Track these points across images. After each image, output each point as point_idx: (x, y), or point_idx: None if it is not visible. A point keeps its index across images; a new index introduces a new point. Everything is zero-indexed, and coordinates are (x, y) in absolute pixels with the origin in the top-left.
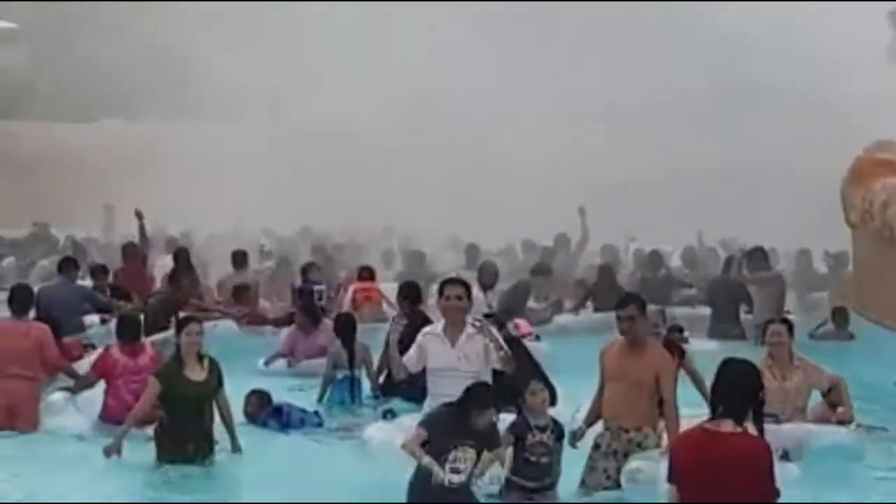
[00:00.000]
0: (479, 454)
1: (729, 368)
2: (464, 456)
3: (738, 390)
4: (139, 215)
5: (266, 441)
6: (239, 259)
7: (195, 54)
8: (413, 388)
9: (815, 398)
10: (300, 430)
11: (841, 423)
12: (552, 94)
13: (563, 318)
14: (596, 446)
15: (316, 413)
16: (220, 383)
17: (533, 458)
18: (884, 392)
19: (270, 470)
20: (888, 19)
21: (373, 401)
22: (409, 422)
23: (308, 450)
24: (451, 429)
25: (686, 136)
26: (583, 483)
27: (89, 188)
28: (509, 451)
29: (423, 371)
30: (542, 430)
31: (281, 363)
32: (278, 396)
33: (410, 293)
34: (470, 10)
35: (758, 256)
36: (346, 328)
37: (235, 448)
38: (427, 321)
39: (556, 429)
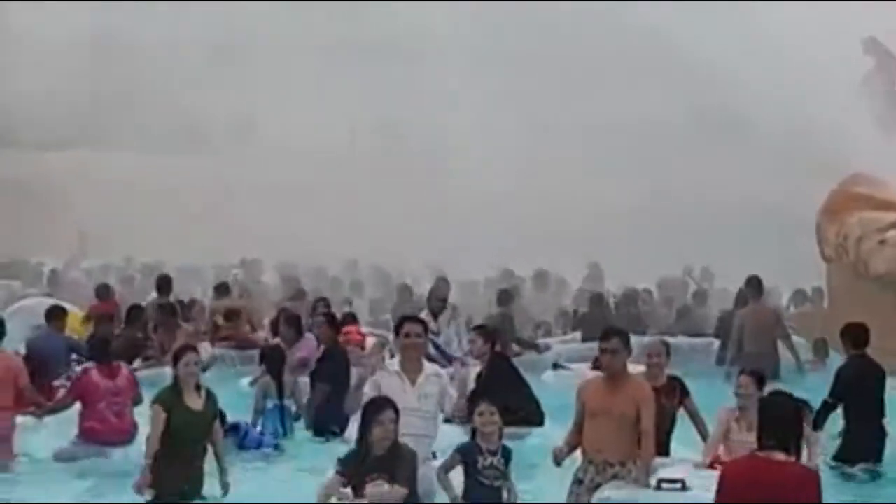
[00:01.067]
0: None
1: (774, 403)
2: (378, 491)
3: (785, 422)
4: None
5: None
6: (222, 291)
7: (163, 87)
8: None
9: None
10: (255, 450)
11: None
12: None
13: (554, 349)
14: (578, 481)
15: (276, 439)
16: (216, 414)
17: (486, 482)
18: None
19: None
20: (864, 47)
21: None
22: None
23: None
24: (359, 464)
25: (661, 166)
26: None
27: (59, 215)
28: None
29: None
30: (493, 453)
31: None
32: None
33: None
34: (444, 38)
35: (754, 285)
36: (273, 359)
37: (224, 485)
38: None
39: (506, 453)
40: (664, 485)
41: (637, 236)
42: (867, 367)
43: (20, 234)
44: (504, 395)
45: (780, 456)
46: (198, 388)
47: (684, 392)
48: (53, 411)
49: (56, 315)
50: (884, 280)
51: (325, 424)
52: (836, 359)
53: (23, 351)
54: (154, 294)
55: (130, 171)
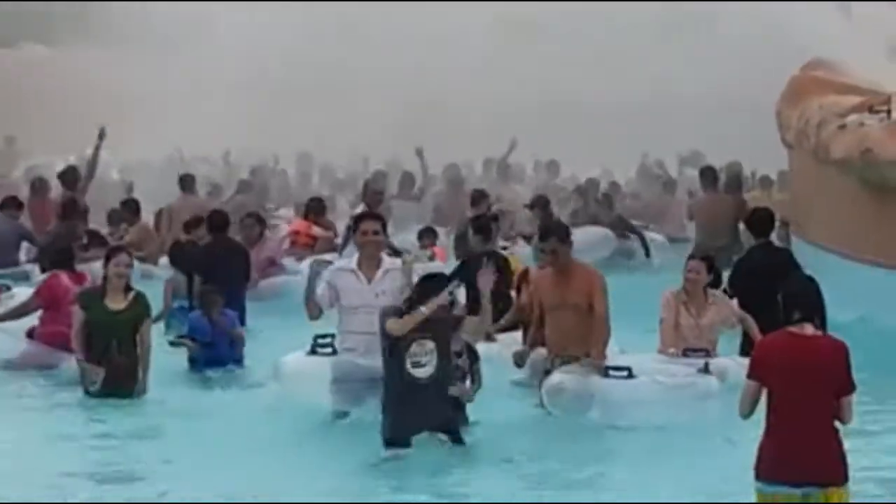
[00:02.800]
0: (438, 343)
1: (800, 282)
2: (422, 349)
3: (809, 297)
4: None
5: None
6: (188, 183)
7: None
8: None
9: None
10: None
11: (746, 354)
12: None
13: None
14: (546, 371)
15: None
16: (142, 316)
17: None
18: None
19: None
20: None
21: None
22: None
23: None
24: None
25: (624, 59)
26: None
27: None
28: None
29: None
30: (458, 354)
31: None
32: None
33: None
34: None
35: (707, 176)
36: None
37: (140, 388)
38: None
39: (472, 353)
40: (612, 372)
41: (600, 129)
42: (770, 255)
43: None
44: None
45: (809, 329)
46: (127, 291)
47: None
48: (15, 316)
49: (8, 203)
50: (844, 165)
51: None
52: (801, 246)
53: None
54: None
55: (83, 68)
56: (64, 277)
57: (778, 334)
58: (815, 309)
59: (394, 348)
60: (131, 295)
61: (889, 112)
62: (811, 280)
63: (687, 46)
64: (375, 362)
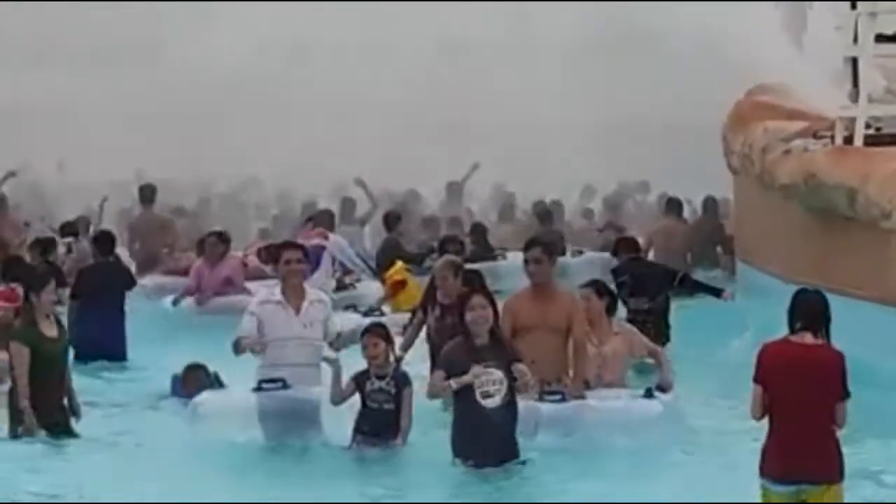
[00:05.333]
0: (507, 372)
1: (805, 295)
2: (489, 378)
3: (811, 308)
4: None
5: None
6: (147, 195)
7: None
8: None
9: None
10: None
11: (661, 389)
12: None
13: None
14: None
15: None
16: (68, 342)
17: (375, 406)
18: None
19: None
20: None
21: None
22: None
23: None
24: (460, 356)
25: (569, 82)
26: None
27: None
28: None
29: None
30: (381, 378)
31: (190, 301)
32: None
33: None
34: None
35: (665, 203)
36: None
37: (76, 408)
38: None
39: (401, 378)
40: (546, 397)
41: (547, 154)
42: (643, 266)
43: None
44: None
45: (809, 338)
46: (47, 316)
47: None
48: None
49: None
50: (788, 190)
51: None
52: (745, 270)
53: None
54: None
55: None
56: None
57: (779, 342)
58: (816, 320)
59: (450, 377)
60: (52, 319)
61: (833, 137)
62: (818, 294)
63: (630, 67)
64: (303, 394)
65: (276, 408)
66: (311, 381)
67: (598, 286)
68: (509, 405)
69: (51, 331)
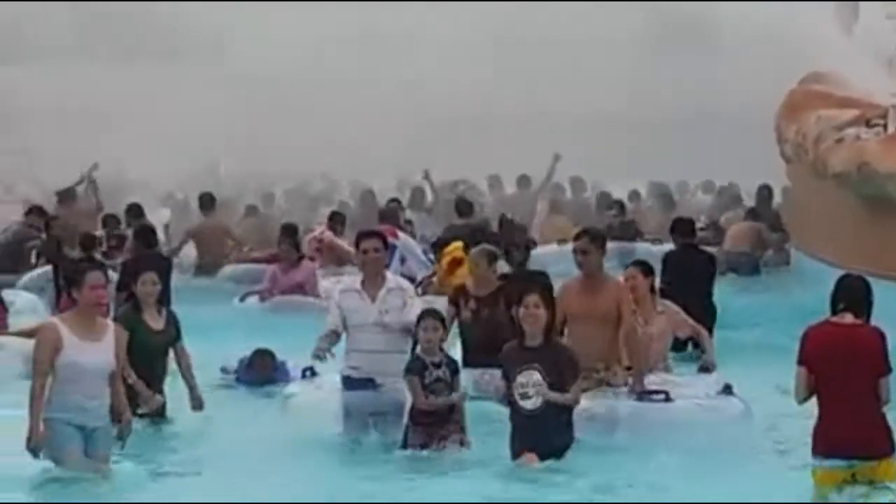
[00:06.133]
0: (546, 376)
1: (848, 279)
2: (528, 381)
3: (856, 293)
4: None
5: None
6: (206, 202)
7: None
8: None
9: None
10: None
11: (705, 370)
12: (492, 34)
13: None
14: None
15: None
16: (178, 335)
17: (434, 395)
18: None
19: (192, 427)
20: None
21: None
22: (329, 379)
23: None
24: (511, 358)
25: (624, 74)
26: None
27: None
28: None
29: None
30: (437, 366)
31: (253, 300)
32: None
33: None
34: None
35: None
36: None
37: (196, 404)
38: None
39: (452, 363)
40: (647, 397)
41: (604, 145)
42: (693, 253)
43: None
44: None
45: (849, 318)
46: (159, 308)
47: None
48: None
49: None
50: (841, 179)
51: None
52: (800, 258)
53: None
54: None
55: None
56: None
57: (821, 324)
58: (858, 302)
59: (506, 378)
60: (164, 313)
61: (885, 126)
62: (861, 279)
63: (682, 59)
64: (383, 394)
65: (361, 405)
66: (390, 368)
67: (643, 265)
68: (550, 406)
69: (155, 322)
